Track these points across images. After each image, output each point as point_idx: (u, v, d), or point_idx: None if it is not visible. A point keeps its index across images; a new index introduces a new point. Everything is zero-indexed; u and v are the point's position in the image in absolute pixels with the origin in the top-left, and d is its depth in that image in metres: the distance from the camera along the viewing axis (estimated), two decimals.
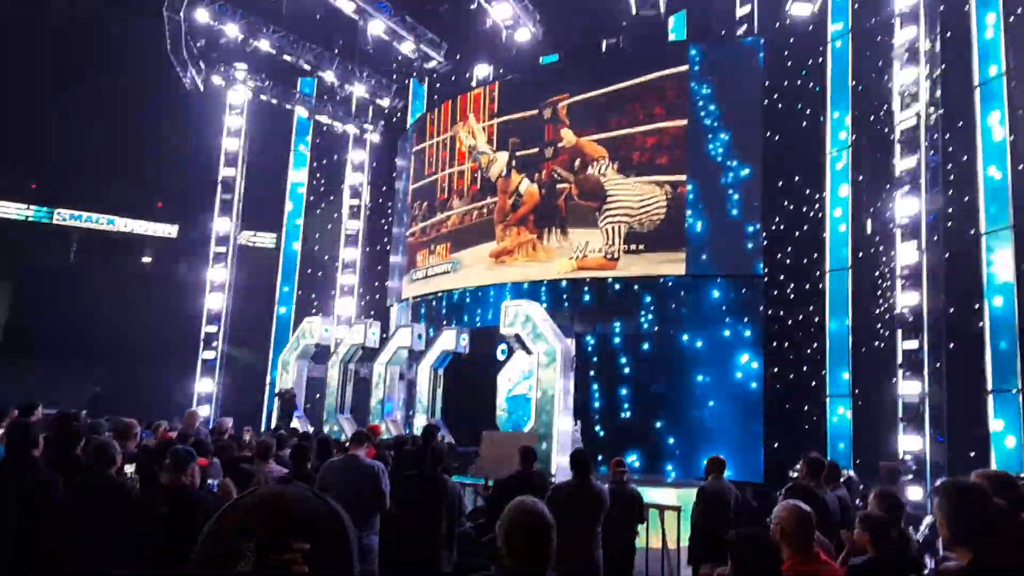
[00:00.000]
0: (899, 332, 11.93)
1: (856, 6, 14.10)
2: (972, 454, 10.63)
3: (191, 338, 20.50)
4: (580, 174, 15.86)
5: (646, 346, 15.28)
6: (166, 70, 19.60)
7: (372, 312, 20.44)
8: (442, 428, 13.98)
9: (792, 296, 14.21)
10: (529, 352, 12.35)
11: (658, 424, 14.66)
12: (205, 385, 20.22)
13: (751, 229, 14.36)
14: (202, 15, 17.74)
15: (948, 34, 12.18)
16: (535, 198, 16.44)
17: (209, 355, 20.45)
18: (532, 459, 6.94)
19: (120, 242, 24.06)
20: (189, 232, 23.71)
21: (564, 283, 16.25)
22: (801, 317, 14.04)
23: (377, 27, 18.00)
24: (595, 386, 15.37)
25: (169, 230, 24.28)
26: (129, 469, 5.59)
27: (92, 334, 19.67)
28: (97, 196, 23.38)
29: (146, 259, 24.74)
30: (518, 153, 16.94)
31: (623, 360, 15.45)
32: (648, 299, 15.55)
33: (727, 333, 14.48)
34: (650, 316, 15.45)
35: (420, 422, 14.28)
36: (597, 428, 14.93)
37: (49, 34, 21.26)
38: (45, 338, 19.38)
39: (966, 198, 11.51)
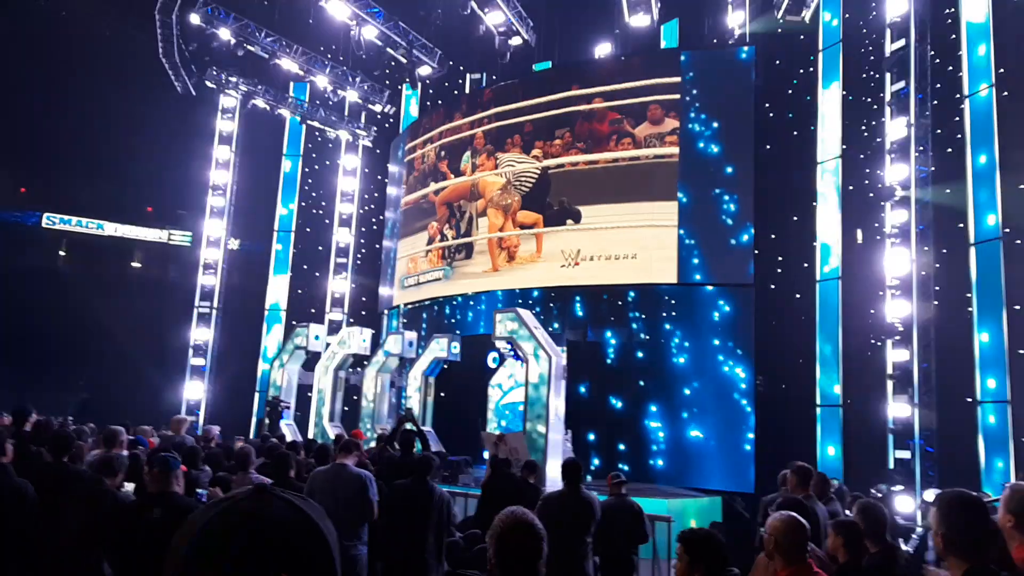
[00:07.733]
0: (888, 342, 11.97)
1: (847, 16, 14.19)
2: (961, 464, 10.64)
3: (180, 344, 20.38)
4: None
5: (637, 354, 15.23)
6: (158, 74, 19.58)
7: (364, 319, 20.36)
8: (431, 437, 13.91)
9: (782, 305, 14.23)
10: (521, 360, 12.29)
11: (649, 433, 14.62)
12: (194, 392, 20.09)
13: (742, 237, 14.38)
14: (194, 19, 17.72)
15: (939, 45, 12.26)
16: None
17: (198, 361, 20.33)
18: (533, 470, 7.00)
19: (109, 247, 23.90)
20: (179, 237, 23.61)
21: (555, 292, 16.23)
22: (791, 326, 14.06)
23: (370, 32, 17.99)
24: (586, 395, 15.31)
25: (159, 235, 24.15)
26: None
27: (80, 339, 19.54)
28: (86, 200, 23.25)
29: (136, 264, 24.60)
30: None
31: (614, 368, 15.39)
32: (639, 307, 15.52)
33: (717, 342, 14.47)
34: (641, 324, 15.42)
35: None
36: (588, 437, 14.88)
37: (40, 38, 21.13)
38: (33, 343, 19.22)
39: (956, 208, 11.56)
